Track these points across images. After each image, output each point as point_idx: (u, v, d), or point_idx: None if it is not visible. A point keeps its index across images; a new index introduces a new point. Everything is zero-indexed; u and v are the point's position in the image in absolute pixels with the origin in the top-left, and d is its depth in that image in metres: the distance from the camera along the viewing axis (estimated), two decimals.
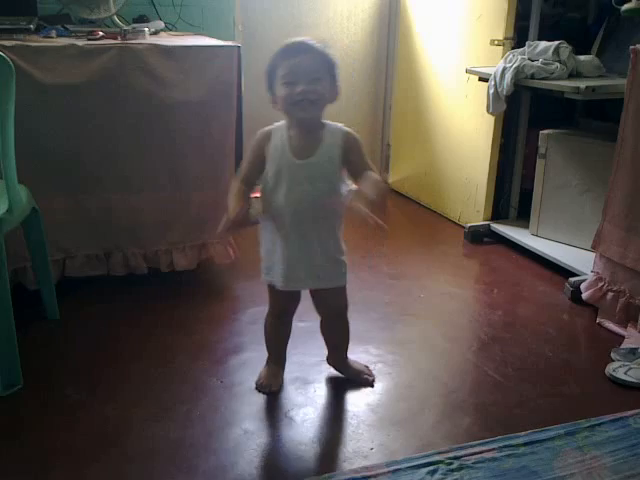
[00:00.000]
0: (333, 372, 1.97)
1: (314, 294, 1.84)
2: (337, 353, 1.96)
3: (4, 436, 1.66)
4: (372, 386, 1.91)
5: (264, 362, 1.93)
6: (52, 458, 1.58)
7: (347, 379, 1.94)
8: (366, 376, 1.94)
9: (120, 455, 1.60)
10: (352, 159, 1.67)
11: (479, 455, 1.60)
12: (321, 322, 1.93)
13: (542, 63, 2.57)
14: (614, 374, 1.96)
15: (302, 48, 1.62)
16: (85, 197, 2.33)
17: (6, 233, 1.80)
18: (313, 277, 1.74)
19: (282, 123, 1.70)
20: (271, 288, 1.79)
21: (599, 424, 1.72)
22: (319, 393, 1.88)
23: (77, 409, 1.77)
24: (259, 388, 1.87)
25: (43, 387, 1.86)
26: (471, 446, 1.63)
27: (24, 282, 2.29)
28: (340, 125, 1.70)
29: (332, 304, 1.85)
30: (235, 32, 3.29)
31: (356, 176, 1.66)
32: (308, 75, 1.60)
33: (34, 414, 1.75)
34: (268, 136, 1.69)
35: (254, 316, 2.23)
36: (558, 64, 2.56)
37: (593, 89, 2.38)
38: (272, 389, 1.87)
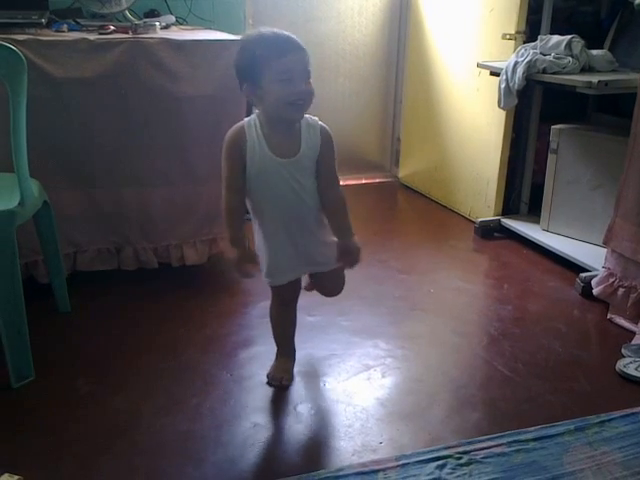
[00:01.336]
0: (342, 366, 1.98)
1: (315, 278, 1.86)
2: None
3: (15, 427, 1.67)
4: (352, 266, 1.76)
5: (274, 356, 1.93)
6: (62, 450, 1.60)
7: (355, 373, 1.95)
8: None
9: (130, 447, 1.61)
10: (324, 160, 1.66)
11: (488, 450, 1.60)
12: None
13: (554, 57, 2.55)
14: (625, 370, 1.95)
15: (296, 45, 1.56)
16: (96, 191, 2.34)
17: (18, 227, 1.81)
18: (312, 264, 1.77)
19: (252, 119, 1.64)
20: (273, 287, 1.81)
21: (609, 420, 1.72)
22: (328, 387, 1.89)
23: (87, 401, 1.79)
24: (271, 382, 1.88)
25: (54, 379, 1.87)
26: (480, 441, 1.63)
27: (35, 275, 2.30)
28: (316, 119, 1.67)
29: (335, 285, 1.88)
30: (246, 26, 3.29)
31: (321, 180, 1.66)
32: (304, 74, 1.56)
33: (45, 406, 1.76)
34: (242, 135, 1.62)
35: (264, 310, 2.23)
36: (570, 58, 2.54)
37: (606, 83, 2.36)
38: (284, 383, 1.87)
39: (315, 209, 1.70)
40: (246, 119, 1.65)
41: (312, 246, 1.73)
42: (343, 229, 1.70)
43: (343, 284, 1.92)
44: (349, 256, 1.70)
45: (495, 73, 2.79)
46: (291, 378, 1.89)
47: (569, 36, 2.58)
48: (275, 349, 1.93)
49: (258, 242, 1.74)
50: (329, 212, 1.70)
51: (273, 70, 1.53)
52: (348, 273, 1.86)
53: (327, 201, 1.69)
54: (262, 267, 1.75)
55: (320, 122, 1.67)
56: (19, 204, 1.81)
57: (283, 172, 1.63)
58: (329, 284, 1.92)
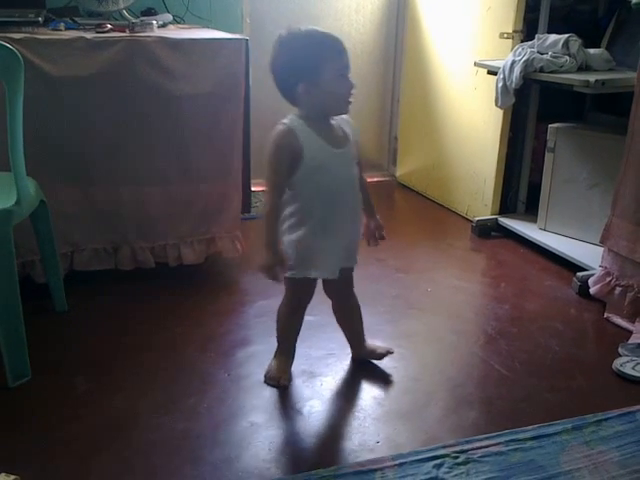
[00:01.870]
0: (340, 365, 1.98)
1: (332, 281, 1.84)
2: (360, 337, 1.98)
3: (13, 426, 1.67)
4: (392, 352, 1.97)
5: (271, 355, 1.93)
6: (59, 448, 1.59)
7: (353, 372, 1.95)
8: (382, 350, 1.98)
9: (127, 446, 1.61)
10: (358, 148, 1.77)
11: (485, 449, 1.60)
12: (335, 310, 1.94)
13: (551, 56, 2.55)
14: (622, 369, 1.95)
15: (343, 43, 1.63)
16: (93, 190, 2.33)
17: (15, 226, 1.81)
18: (349, 257, 1.80)
19: (292, 119, 1.66)
20: (296, 282, 1.77)
21: (606, 419, 1.72)
22: (325, 386, 1.89)
23: (85, 400, 1.79)
24: (268, 381, 1.87)
25: (51, 378, 1.87)
26: (477, 440, 1.63)
27: (32, 275, 2.30)
28: (346, 116, 1.74)
29: (342, 282, 1.86)
30: (243, 25, 3.28)
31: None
32: (350, 70, 1.65)
33: (42, 405, 1.76)
34: (293, 135, 1.64)
35: (261, 309, 2.24)
36: (568, 57, 2.54)
37: (603, 83, 2.37)
38: (281, 382, 1.86)
39: (359, 197, 1.79)
40: (285, 121, 1.66)
41: (356, 236, 1.80)
42: (372, 208, 1.86)
43: (358, 305, 1.96)
44: (380, 231, 1.84)
45: (492, 72, 2.79)
46: (289, 378, 1.89)
47: (566, 35, 2.59)
48: (274, 348, 1.93)
49: (290, 239, 1.72)
50: (362, 194, 1.82)
51: (333, 68, 1.60)
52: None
53: (360, 184, 1.81)
54: (291, 263, 1.72)
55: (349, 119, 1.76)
56: (16, 203, 1.80)
57: (341, 161, 1.70)
58: (337, 286, 1.88)
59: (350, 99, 1.65)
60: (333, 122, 1.71)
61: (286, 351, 1.91)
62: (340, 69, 1.61)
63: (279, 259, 1.66)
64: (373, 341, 2.03)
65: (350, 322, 1.98)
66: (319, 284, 1.85)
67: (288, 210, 1.71)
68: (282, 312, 1.88)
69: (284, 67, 1.64)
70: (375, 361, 1.99)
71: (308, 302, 1.86)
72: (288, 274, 1.74)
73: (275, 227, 1.68)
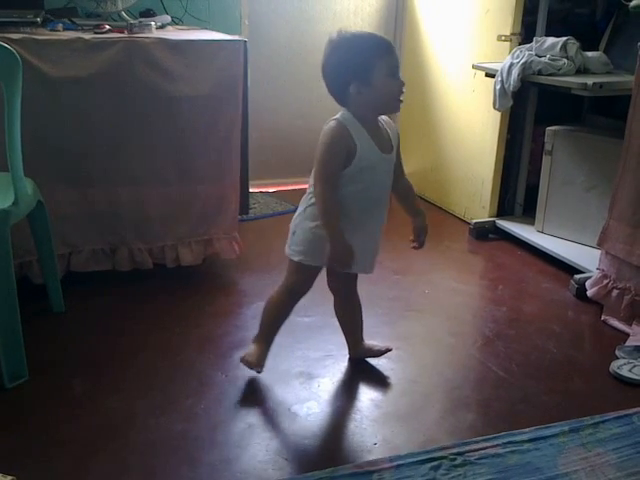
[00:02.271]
0: (337, 367, 1.98)
1: (332, 271, 1.85)
2: (359, 336, 1.99)
3: (9, 427, 1.67)
4: (390, 349, 2.00)
5: (271, 355, 1.91)
6: (56, 449, 1.59)
7: (351, 374, 1.95)
8: (380, 347, 2.00)
9: (124, 447, 1.61)
10: (399, 153, 1.83)
11: (483, 451, 1.60)
12: (337, 306, 1.96)
13: (549, 59, 2.56)
14: (619, 371, 1.96)
15: (392, 43, 1.68)
16: (91, 191, 2.33)
17: (12, 226, 1.81)
18: (370, 265, 1.83)
19: (346, 117, 1.66)
20: (303, 269, 1.78)
21: (603, 421, 1.72)
22: (323, 388, 1.89)
23: (82, 401, 1.78)
24: (246, 361, 1.87)
25: (48, 379, 1.87)
26: (475, 442, 1.63)
27: (30, 276, 2.29)
28: (387, 118, 1.78)
29: (348, 282, 1.90)
30: (241, 26, 3.29)
31: (398, 169, 1.83)
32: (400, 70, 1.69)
33: (39, 406, 1.76)
34: (348, 132, 1.65)
35: (259, 311, 2.22)
36: (565, 60, 2.55)
37: (600, 85, 2.37)
38: (258, 368, 1.86)
39: (388, 205, 1.82)
40: (338, 117, 1.67)
41: (374, 242, 1.82)
42: (419, 210, 1.89)
43: (360, 305, 1.98)
44: (425, 233, 1.87)
45: (490, 74, 2.80)
46: (264, 365, 1.88)
47: (564, 38, 2.59)
48: (273, 349, 1.92)
49: (307, 225, 1.73)
50: (406, 196, 1.88)
51: (385, 67, 1.63)
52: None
53: (403, 187, 1.86)
54: (301, 247, 1.75)
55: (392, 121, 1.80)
56: (13, 203, 1.80)
57: (385, 167, 1.75)
58: (343, 285, 1.91)
59: (401, 98, 1.68)
60: (380, 124, 1.74)
61: (269, 338, 1.91)
62: (391, 68, 1.64)
63: (347, 249, 1.66)
64: (369, 340, 2.03)
65: (351, 320, 1.98)
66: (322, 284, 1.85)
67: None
68: (280, 300, 1.87)
69: (336, 68, 1.66)
70: (373, 362, 2.00)
71: (304, 294, 1.86)
72: (297, 258, 1.76)
73: (337, 220, 1.66)
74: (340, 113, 1.69)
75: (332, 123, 1.67)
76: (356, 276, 1.91)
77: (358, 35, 1.68)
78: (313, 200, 1.71)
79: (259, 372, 1.87)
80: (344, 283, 1.90)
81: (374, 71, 1.62)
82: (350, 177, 1.67)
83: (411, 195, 1.89)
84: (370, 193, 1.72)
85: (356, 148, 1.65)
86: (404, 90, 1.68)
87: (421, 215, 1.88)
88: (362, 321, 1.99)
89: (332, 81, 1.67)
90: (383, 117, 1.76)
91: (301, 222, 1.76)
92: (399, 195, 1.87)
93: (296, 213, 1.79)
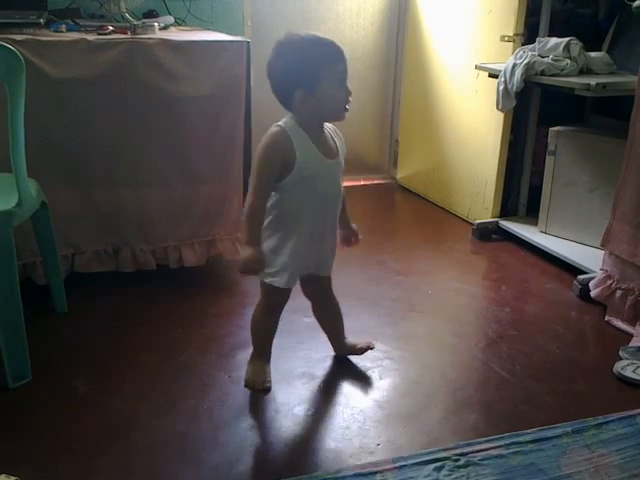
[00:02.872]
0: (339, 367, 1.98)
1: (304, 279, 1.85)
2: (340, 335, 1.99)
3: (13, 428, 1.67)
4: (372, 347, 2.00)
5: (271, 356, 1.93)
6: (60, 450, 1.59)
7: (353, 375, 1.95)
8: (363, 345, 2.00)
9: (127, 447, 1.61)
10: (344, 160, 1.77)
11: (486, 452, 1.60)
12: (315, 310, 1.96)
13: (552, 59, 2.56)
14: (622, 372, 1.95)
15: (342, 50, 1.62)
16: (94, 191, 2.33)
17: (16, 227, 1.81)
18: (319, 265, 1.82)
19: (288, 123, 1.64)
20: (277, 291, 1.77)
21: (606, 422, 1.72)
22: (326, 388, 1.89)
23: (85, 401, 1.79)
24: (253, 386, 1.84)
25: (52, 380, 1.87)
26: (478, 443, 1.63)
27: (33, 277, 2.30)
28: (332, 125, 1.75)
29: (322, 286, 1.90)
30: (244, 27, 3.29)
31: None
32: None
33: (42, 406, 1.76)
34: (287, 139, 1.62)
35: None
36: (568, 60, 2.54)
37: (603, 86, 2.37)
38: (266, 385, 1.84)
39: (337, 214, 1.79)
40: (280, 124, 1.65)
41: (330, 245, 1.80)
42: (347, 216, 1.88)
43: (338, 305, 1.96)
44: (355, 237, 1.88)
45: (493, 75, 2.79)
46: (269, 380, 1.86)
47: (567, 38, 2.59)
48: (274, 350, 1.92)
49: (273, 245, 1.72)
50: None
51: (333, 76, 1.59)
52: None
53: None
54: (271, 269, 1.73)
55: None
56: (17, 204, 1.80)
57: (331, 172, 1.72)
58: (317, 290, 1.91)
59: (347, 106, 1.64)
60: (325, 131, 1.71)
61: (262, 355, 1.89)
62: (338, 75, 1.60)
63: (259, 257, 1.64)
64: (352, 339, 2.03)
65: (330, 321, 1.99)
66: (297, 287, 1.85)
67: (271, 214, 1.70)
68: (257, 316, 1.87)
69: (281, 72, 1.62)
70: (375, 363, 2.00)
71: (283, 306, 1.85)
72: (267, 280, 1.75)
73: (258, 228, 1.66)
74: (284, 120, 1.65)
75: (273, 129, 1.64)
76: (329, 280, 1.90)
77: (308, 39, 1.61)
78: (271, 215, 1.70)
79: (267, 389, 1.84)
80: (317, 289, 1.90)
81: (321, 79, 1.57)
82: (294, 185, 1.64)
83: (346, 203, 1.84)
84: (319, 201, 1.70)
85: (295, 158, 1.62)
86: (350, 99, 1.63)
87: (350, 222, 1.88)
88: (342, 321, 1.99)
89: (277, 85, 1.64)
90: (329, 125, 1.73)
91: (263, 242, 1.71)
92: None
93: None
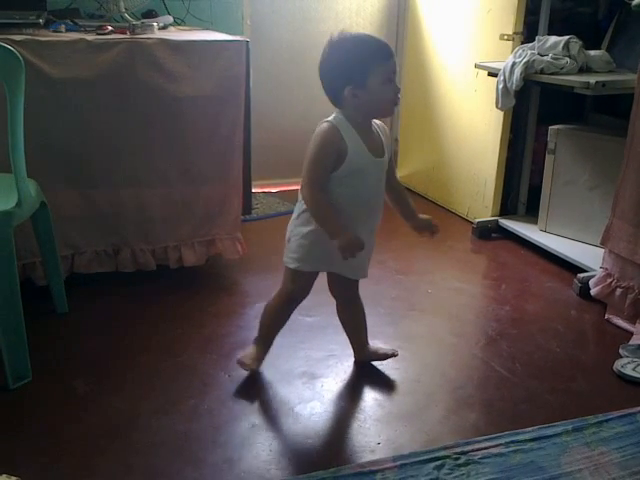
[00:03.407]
0: (340, 367, 1.98)
1: (333, 277, 1.86)
2: (363, 339, 1.99)
3: (13, 428, 1.67)
4: (396, 354, 1.99)
5: (271, 357, 1.93)
6: (60, 449, 1.59)
7: (354, 374, 1.95)
8: (386, 351, 2.00)
9: (127, 447, 1.61)
10: (391, 157, 1.81)
11: (486, 450, 1.60)
12: (339, 311, 1.95)
13: (552, 58, 2.55)
14: (622, 370, 1.95)
15: (391, 48, 1.67)
16: (93, 192, 2.33)
17: (16, 228, 1.81)
18: (353, 267, 1.79)
19: (339, 119, 1.66)
20: (300, 275, 1.78)
21: (607, 420, 1.72)
22: (326, 388, 1.89)
23: (85, 402, 1.79)
24: (241, 361, 1.89)
25: (52, 380, 1.87)
26: (478, 441, 1.63)
27: (33, 278, 2.29)
28: (381, 123, 1.77)
29: (349, 288, 1.89)
30: (244, 26, 3.29)
31: (391, 172, 1.80)
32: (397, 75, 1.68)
33: (43, 406, 1.76)
34: (340, 134, 1.64)
35: (261, 311, 2.23)
36: (568, 59, 2.54)
37: (603, 84, 2.37)
38: (252, 367, 1.89)
39: (382, 210, 1.80)
40: (330, 119, 1.67)
41: (370, 247, 1.79)
42: (414, 210, 1.87)
43: (363, 309, 1.97)
44: (430, 227, 1.88)
45: (493, 74, 2.79)
46: (259, 366, 1.91)
47: (567, 37, 2.59)
48: (275, 350, 1.93)
49: (307, 231, 1.73)
50: (400, 199, 1.86)
51: (382, 72, 1.62)
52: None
53: (397, 190, 1.85)
54: (297, 254, 1.75)
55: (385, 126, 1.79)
56: (16, 204, 1.81)
57: (377, 171, 1.73)
58: (345, 291, 1.91)
59: (396, 102, 1.67)
60: (374, 128, 1.73)
61: (268, 342, 1.92)
62: (388, 73, 1.63)
63: (354, 237, 1.64)
64: (375, 343, 2.03)
65: (354, 324, 1.98)
66: (324, 284, 1.86)
67: None
68: (274, 304, 1.88)
69: (332, 69, 1.65)
70: (376, 362, 2.00)
71: (303, 298, 1.86)
72: (293, 266, 1.76)
73: (333, 216, 1.66)
74: (333, 115, 1.68)
75: (324, 125, 1.66)
76: (357, 284, 1.90)
77: (358, 37, 1.67)
78: (305, 206, 1.71)
79: (256, 370, 1.89)
80: (345, 289, 1.90)
81: (371, 76, 1.61)
82: (339, 180, 1.66)
83: (404, 198, 1.86)
84: (360, 196, 1.71)
85: (347, 150, 1.64)
86: (400, 96, 1.67)
87: (416, 217, 1.86)
88: (365, 326, 1.99)
89: (328, 82, 1.67)
90: (377, 121, 1.76)
91: (295, 228, 1.76)
92: (392, 199, 1.85)
93: (290, 220, 1.79)
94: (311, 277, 1.82)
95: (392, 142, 1.81)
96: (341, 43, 1.65)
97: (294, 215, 1.78)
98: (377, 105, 1.66)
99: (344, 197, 1.68)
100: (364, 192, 1.71)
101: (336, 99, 1.67)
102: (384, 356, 2.00)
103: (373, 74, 1.61)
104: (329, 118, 1.68)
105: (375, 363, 2.00)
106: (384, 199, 1.81)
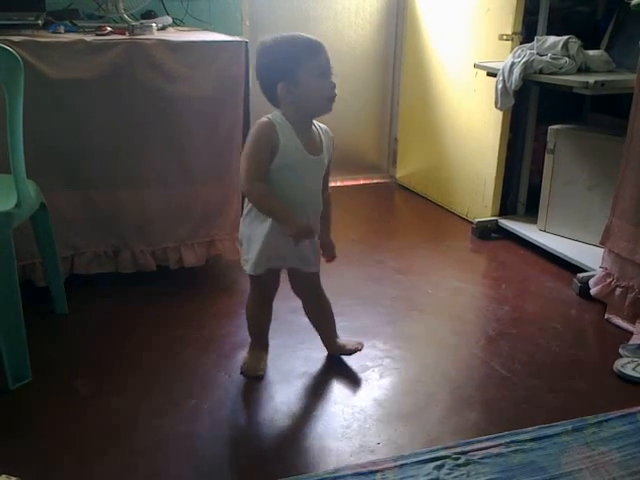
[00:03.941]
0: (340, 367, 1.98)
1: (292, 276, 1.89)
2: (332, 334, 2.00)
3: (13, 429, 1.67)
4: (360, 349, 2.00)
5: (272, 357, 1.94)
6: (60, 451, 1.59)
7: (354, 374, 1.95)
8: (352, 346, 2.00)
9: (128, 448, 1.61)
10: (329, 163, 1.80)
11: (486, 450, 1.60)
12: (306, 309, 1.98)
13: (551, 58, 2.55)
14: (622, 370, 1.95)
15: (321, 43, 1.68)
16: (92, 193, 2.33)
17: (15, 229, 1.81)
18: (301, 260, 1.81)
19: (277, 116, 1.69)
20: (255, 279, 1.82)
21: (607, 420, 1.72)
22: (326, 388, 1.89)
23: (85, 402, 1.79)
24: (247, 373, 1.90)
25: (52, 380, 1.87)
26: (478, 441, 1.63)
27: (33, 278, 2.29)
28: (325, 126, 1.79)
29: (309, 284, 1.91)
30: (242, 27, 3.29)
31: (323, 180, 1.80)
32: (331, 69, 1.68)
33: (43, 407, 1.76)
34: (274, 128, 1.67)
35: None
36: (567, 59, 2.54)
37: (602, 84, 2.37)
38: (259, 374, 1.90)
39: (320, 210, 1.81)
40: (268, 116, 1.69)
41: (313, 244, 1.81)
42: (328, 227, 1.89)
43: (319, 284, 1.95)
44: (332, 251, 1.89)
45: (492, 74, 2.79)
46: (265, 369, 1.92)
47: (566, 37, 2.59)
48: (275, 350, 1.93)
49: (250, 232, 1.76)
50: (322, 209, 1.83)
51: (314, 67, 1.64)
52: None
53: (323, 199, 1.82)
54: (248, 256, 1.78)
55: (329, 130, 1.81)
56: (16, 206, 1.80)
57: (312, 168, 1.74)
58: (305, 288, 1.93)
59: (332, 98, 1.67)
60: (314, 129, 1.75)
61: (259, 344, 1.94)
62: (320, 67, 1.65)
63: (302, 224, 1.67)
64: (342, 337, 2.04)
65: (321, 320, 2.00)
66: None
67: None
68: (250, 308, 1.92)
69: (265, 67, 1.69)
70: (376, 362, 2.00)
71: (274, 294, 1.90)
72: (249, 271, 1.79)
73: (279, 202, 1.67)
74: (273, 112, 1.71)
75: (260, 120, 1.69)
76: (317, 277, 1.92)
77: (288, 36, 1.69)
78: (249, 205, 1.74)
79: (260, 377, 1.90)
80: (306, 285, 1.92)
81: (302, 70, 1.63)
82: (275, 173, 1.68)
83: (326, 209, 1.83)
84: (296, 193, 1.72)
85: (279, 144, 1.66)
86: (336, 92, 1.67)
87: (329, 234, 1.89)
88: (333, 321, 2.00)
89: (262, 80, 1.70)
90: (322, 125, 1.77)
91: (244, 230, 1.79)
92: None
93: (240, 224, 1.82)
94: (272, 273, 1.83)
95: (333, 149, 1.80)
96: (273, 43, 1.68)
97: (241, 218, 1.81)
98: (313, 101, 1.67)
99: (280, 192, 1.69)
100: (299, 189, 1.72)
101: (272, 97, 1.69)
102: (349, 351, 2.01)
103: (304, 68, 1.63)
104: (268, 115, 1.70)
105: (375, 363, 2.00)
106: (321, 200, 1.80)
